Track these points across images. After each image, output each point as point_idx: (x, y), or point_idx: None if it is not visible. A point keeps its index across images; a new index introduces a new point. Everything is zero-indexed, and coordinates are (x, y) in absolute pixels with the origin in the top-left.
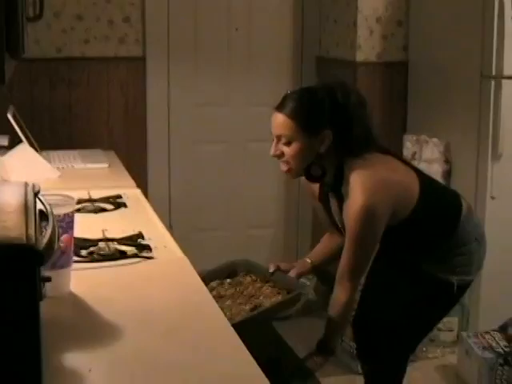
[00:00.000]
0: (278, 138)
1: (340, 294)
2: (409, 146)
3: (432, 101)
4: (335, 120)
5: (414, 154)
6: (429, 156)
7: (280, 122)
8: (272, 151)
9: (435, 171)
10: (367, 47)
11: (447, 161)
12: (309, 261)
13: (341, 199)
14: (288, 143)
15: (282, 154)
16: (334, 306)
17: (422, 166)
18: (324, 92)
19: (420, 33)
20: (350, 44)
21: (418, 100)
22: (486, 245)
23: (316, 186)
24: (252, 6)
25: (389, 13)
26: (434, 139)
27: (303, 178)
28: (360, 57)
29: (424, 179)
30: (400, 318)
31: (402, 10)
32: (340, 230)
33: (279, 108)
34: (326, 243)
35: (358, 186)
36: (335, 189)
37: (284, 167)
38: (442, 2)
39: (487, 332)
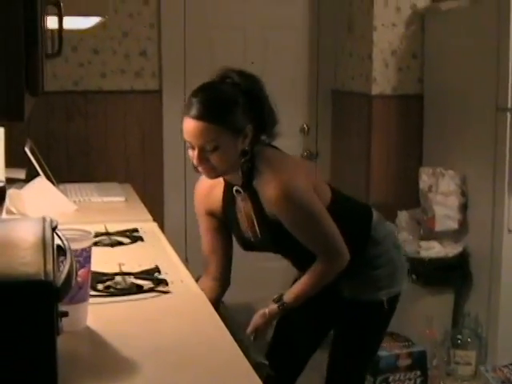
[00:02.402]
0: (202, 147)
1: (321, 265)
2: (425, 179)
3: (448, 133)
4: (253, 113)
5: (431, 186)
6: (445, 189)
7: (203, 129)
8: (196, 162)
9: (451, 204)
10: (383, 80)
11: (463, 193)
12: None
13: (254, 194)
14: (213, 151)
15: (207, 162)
16: (309, 274)
17: (439, 199)
18: (229, 87)
19: (435, 65)
20: (366, 77)
21: (433, 132)
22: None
23: (213, 199)
24: (268, 40)
25: (404, 45)
26: (450, 172)
27: (197, 196)
28: (375, 90)
29: (333, 186)
30: (340, 356)
31: (417, 43)
32: (247, 243)
33: (200, 116)
34: None
35: (272, 169)
36: (246, 184)
37: (205, 171)
38: (457, 35)
39: (505, 366)
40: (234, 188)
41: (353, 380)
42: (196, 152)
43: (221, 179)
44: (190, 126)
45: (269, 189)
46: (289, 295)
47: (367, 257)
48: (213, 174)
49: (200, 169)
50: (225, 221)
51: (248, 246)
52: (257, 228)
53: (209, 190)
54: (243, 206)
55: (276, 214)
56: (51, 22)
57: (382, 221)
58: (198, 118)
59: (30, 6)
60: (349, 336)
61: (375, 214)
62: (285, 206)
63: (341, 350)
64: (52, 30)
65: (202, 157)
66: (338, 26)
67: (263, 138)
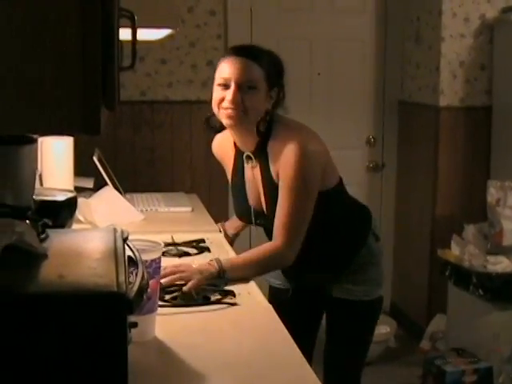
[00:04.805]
0: (240, 84)
1: (273, 243)
2: (493, 192)
3: None
4: (280, 81)
5: (498, 200)
6: None
7: (248, 66)
8: (231, 97)
9: None
10: (450, 91)
11: None
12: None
13: (265, 160)
14: (250, 90)
15: (242, 103)
16: (259, 249)
17: (507, 213)
18: (274, 55)
19: (504, 77)
20: (433, 88)
21: (502, 145)
22: None
23: (226, 165)
24: (334, 51)
25: (472, 57)
26: None
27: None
28: (443, 101)
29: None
30: (337, 351)
31: (485, 54)
32: (248, 214)
33: (245, 54)
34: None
35: (295, 132)
36: (260, 148)
37: (234, 113)
38: None
39: None
40: (245, 154)
41: (350, 370)
42: (232, 88)
43: (232, 146)
44: (232, 61)
45: (284, 147)
46: (226, 261)
47: (372, 252)
48: (240, 115)
49: (230, 109)
50: (232, 188)
51: (248, 217)
52: (262, 197)
53: (221, 153)
54: (252, 175)
55: (279, 173)
56: (122, 34)
57: (378, 229)
58: (243, 55)
59: (107, 20)
60: (344, 333)
61: (374, 219)
62: (293, 162)
63: (337, 346)
64: (121, 42)
65: (238, 94)
66: (405, 37)
67: (280, 111)
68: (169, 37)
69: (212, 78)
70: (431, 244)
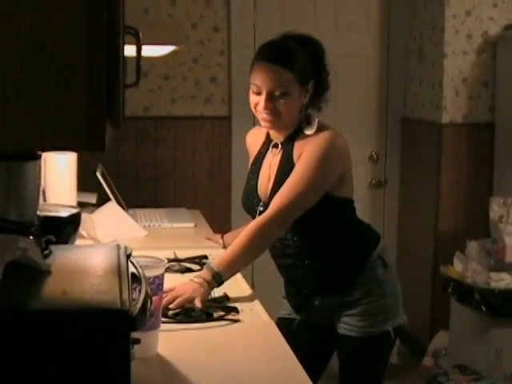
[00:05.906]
0: (271, 92)
1: (259, 219)
2: (495, 209)
3: None
4: (315, 69)
5: (501, 216)
6: None
7: (277, 73)
8: (263, 105)
9: None
10: (453, 108)
11: None
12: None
13: (289, 150)
14: (281, 97)
15: (275, 109)
16: (246, 236)
17: (510, 230)
18: (308, 43)
19: (507, 93)
20: (436, 105)
21: (504, 162)
22: None
23: (254, 149)
24: (337, 67)
25: (475, 73)
26: None
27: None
28: (446, 118)
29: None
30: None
31: (488, 71)
32: (251, 200)
33: (275, 60)
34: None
35: (327, 127)
36: (290, 138)
37: (268, 117)
38: None
39: None
40: (273, 142)
41: None
42: (264, 96)
43: (264, 136)
44: (263, 69)
45: (314, 135)
46: (218, 264)
47: (378, 279)
48: (275, 119)
49: (264, 114)
50: (248, 174)
51: (250, 204)
52: (270, 183)
53: (251, 143)
54: (270, 161)
55: (303, 152)
56: (126, 51)
57: (387, 252)
58: (274, 61)
59: (113, 37)
60: (355, 371)
61: (382, 242)
62: (319, 146)
63: (349, 382)
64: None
65: (270, 101)
66: (408, 54)
67: (317, 102)
68: (172, 53)
69: (215, 94)
70: (434, 260)
